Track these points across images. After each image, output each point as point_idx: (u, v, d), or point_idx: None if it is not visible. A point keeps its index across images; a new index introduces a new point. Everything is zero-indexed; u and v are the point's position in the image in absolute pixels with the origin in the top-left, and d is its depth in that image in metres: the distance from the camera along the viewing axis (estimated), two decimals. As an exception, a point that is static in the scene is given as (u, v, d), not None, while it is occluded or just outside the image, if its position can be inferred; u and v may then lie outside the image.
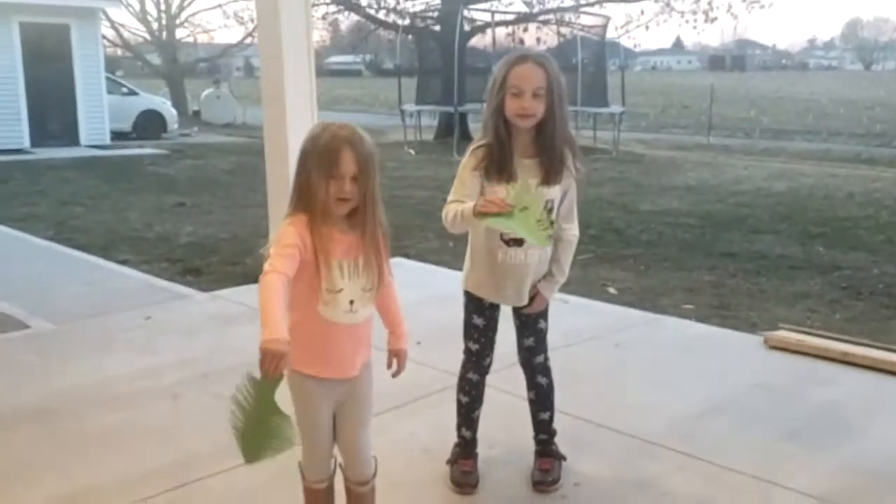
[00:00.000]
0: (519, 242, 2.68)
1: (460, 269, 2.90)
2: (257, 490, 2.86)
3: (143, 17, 30.38)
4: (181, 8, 30.98)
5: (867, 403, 3.70)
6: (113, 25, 28.13)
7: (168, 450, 3.20)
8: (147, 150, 16.90)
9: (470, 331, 2.89)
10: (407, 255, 6.94)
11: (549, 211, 2.66)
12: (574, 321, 4.82)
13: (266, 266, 2.09)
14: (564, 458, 3.00)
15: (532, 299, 2.82)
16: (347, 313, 2.20)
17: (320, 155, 2.15)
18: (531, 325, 2.88)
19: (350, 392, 2.31)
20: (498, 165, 2.63)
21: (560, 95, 2.59)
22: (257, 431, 2.07)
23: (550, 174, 2.64)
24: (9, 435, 3.36)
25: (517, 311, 2.88)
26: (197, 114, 26.30)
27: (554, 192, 2.68)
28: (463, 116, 18.27)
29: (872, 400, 3.74)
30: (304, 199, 2.17)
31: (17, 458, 3.15)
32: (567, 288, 5.47)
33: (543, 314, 2.89)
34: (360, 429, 2.38)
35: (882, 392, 3.84)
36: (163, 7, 30.62)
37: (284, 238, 2.13)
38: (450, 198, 2.64)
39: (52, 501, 2.80)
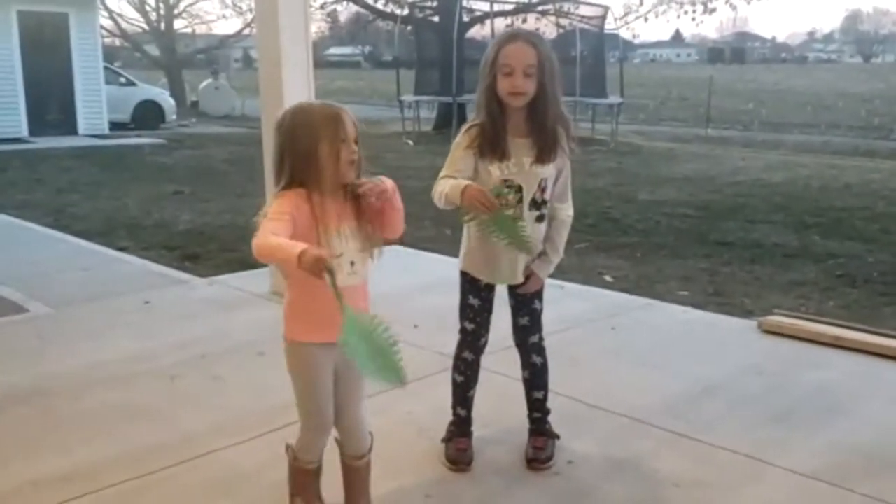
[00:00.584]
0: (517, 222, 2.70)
1: (457, 256, 2.93)
2: (256, 467, 2.89)
3: (141, 7, 30.36)
4: (179, -2, 30.99)
5: (858, 385, 3.73)
6: (111, 15, 28.15)
7: (166, 428, 3.23)
8: (145, 139, 16.89)
9: (466, 311, 2.91)
10: (404, 243, 6.96)
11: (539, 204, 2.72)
12: (570, 306, 4.85)
13: (258, 234, 2.09)
14: (558, 437, 3.03)
15: (527, 279, 2.84)
16: (350, 275, 2.26)
17: (327, 124, 2.20)
18: (526, 305, 2.91)
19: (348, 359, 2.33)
20: (491, 145, 2.65)
21: (552, 74, 2.61)
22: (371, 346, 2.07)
23: (544, 153, 2.67)
24: (7, 414, 3.39)
25: (512, 292, 2.90)
26: (195, 105, 26.28)
27: (548, 171, 2.71)
28: (461, 107, 18.26)
29: (863, 382, 3.78)
30: (304, 173, 2.19)
31: (15, 436, 3.18)
32: (563, 275, 5.54)
33: (538, 294, 2.92)
34: (359, 402, 2.44)
35: (873, 375, 3.87)
36: (161, -3, 30.61)
37: (278, 206, 2.15)
38: (441, 173, 2.67)
39: (50, 478, 2.82)
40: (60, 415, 3.38)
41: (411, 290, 5.19)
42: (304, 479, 2.46)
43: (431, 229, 7.82)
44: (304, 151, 2.20)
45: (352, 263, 2.27)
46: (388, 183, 2.26)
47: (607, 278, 6.28)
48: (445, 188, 2.58)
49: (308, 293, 2.19)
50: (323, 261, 1.94)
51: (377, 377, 2.07)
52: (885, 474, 2.89)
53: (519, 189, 2.68)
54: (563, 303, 4.86)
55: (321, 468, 2.48)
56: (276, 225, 2.09)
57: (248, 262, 6.15)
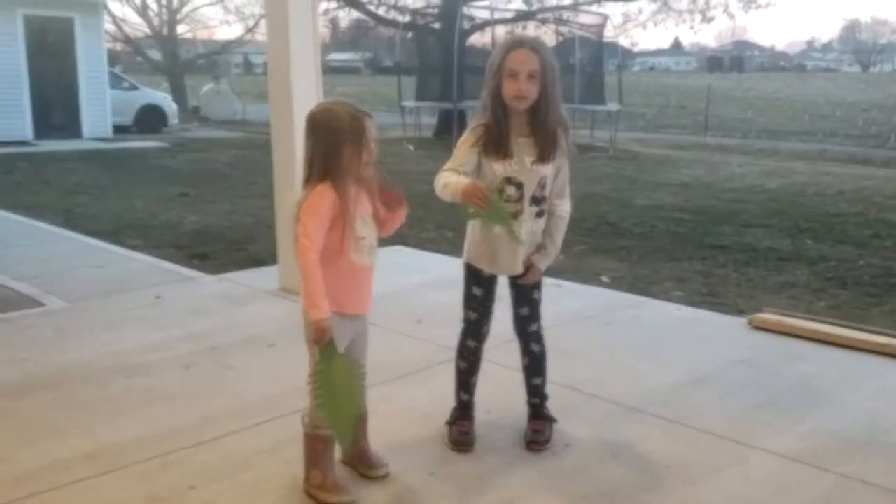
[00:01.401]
0: (514, 217, 2.89)
1: (458, 256, 3.12)
2: (272, 445, 3.06)
3: (144, 12, 30.58)
4: (182, 3, 31.21)
5: (843, 377, 3.90)
6: (114, 20, 28.33)
7: (183, 413, 3.40)
8: (149, 143, 17.09)
9: (469, 301, 3.09)
10: (407, 244, 7.14)
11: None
12: (567, 303, 5.03)
13: (304, 239, 2.42)
14: (555, 421, 3.20)
15: (527, 271, 3.02)
16: (370, 255, 2.62)
17: (353, 130, 2.49)
18: (526, 296, 3.09)
19: (361, 327, 2.69)
20: (495, 144, 2.84)
21: (553, 79, 2.80)
22: (341, 392, 2.50)
23: (544, 152, 2.86)
24: (32, 399, 3.56)
25: (513, 283, 3.08)
26: (196, 109, 26.46)
27: (547, 169, 2.90)
28: (462, 113, 18.46)
29: (848, 374, 3.94)
30: (334, 170, 2.48)
31: (42, 418, 3.35)
32: (561, 276, 5.72)
33: (537, 286, 3.09)
34: (365, 360, 2.75)
35: (858, 368, 4.04)
36: (164, 2, 30.82)
37: (322, 206, 2.46)
38: (445, 166, 2.86)
39: (78, 456, 2.99)
40: (82, 399, 3.55)
41: (415, 287, 5.38)
42: (321, 449, 2.65)
43: (434, 231, 8.02)
44: (333, 152, 2.49)
45: (371, 245, 2.62)
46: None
47: (604, 279, 6.45)
48: (449, 180, 2.78)
49: (338, 267, 2.51)
50: (323, 337, 2.44)
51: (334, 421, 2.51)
52: (861, 456, 3.07)
53: (520, 186, 2.86)
54: (561, 300, 5.04)
55: (334, 438, 2.66)
56: (318, 235, 2.45)
57: (254, 261, 6.35)
